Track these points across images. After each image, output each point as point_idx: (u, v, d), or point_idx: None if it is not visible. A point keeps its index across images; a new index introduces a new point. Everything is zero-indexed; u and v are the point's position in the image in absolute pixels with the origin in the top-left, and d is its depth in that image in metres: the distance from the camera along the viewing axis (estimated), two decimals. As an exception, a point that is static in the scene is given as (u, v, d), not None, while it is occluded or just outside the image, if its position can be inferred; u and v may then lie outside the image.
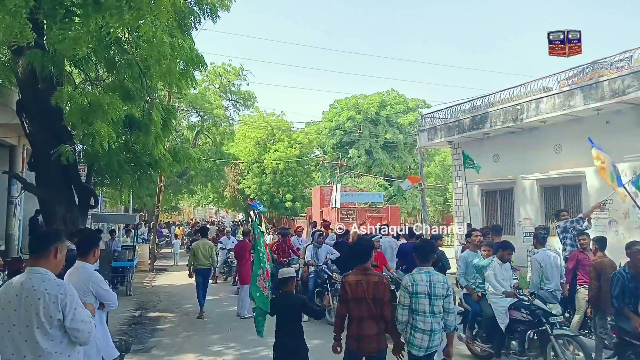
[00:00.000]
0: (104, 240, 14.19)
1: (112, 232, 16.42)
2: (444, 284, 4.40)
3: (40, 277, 3.00)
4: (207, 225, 24.50)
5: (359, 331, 4.33)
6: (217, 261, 13.38)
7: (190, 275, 10.37)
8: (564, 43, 7.86)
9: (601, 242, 7.14)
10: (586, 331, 7.28)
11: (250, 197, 31.75)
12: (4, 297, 2.98)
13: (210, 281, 15.03)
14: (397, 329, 4.45)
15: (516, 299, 6.52)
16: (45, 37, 6.24)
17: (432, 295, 4.32)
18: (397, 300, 4.53)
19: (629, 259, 5.98)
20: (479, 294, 6.96)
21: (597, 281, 6.65)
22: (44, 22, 6.06)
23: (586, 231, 8.44)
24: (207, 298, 10.32)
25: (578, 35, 7.85)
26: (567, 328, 6.59)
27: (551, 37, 7.98)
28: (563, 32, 7.95)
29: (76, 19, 4.99)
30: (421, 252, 4.58)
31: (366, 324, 4.31)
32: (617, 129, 11.74)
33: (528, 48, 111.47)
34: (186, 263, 11.47)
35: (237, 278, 12.08)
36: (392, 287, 7.84)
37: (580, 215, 9.45)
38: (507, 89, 15.30)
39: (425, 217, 20.73)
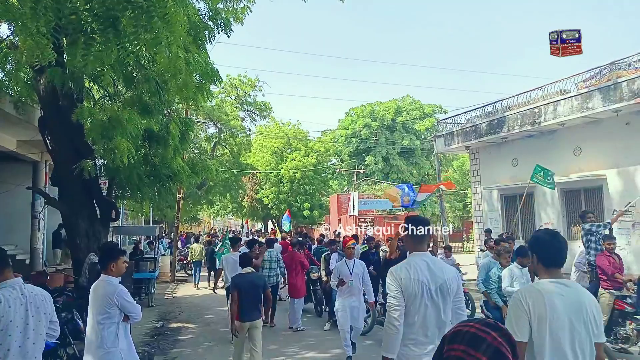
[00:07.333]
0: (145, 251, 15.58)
1: (150, 243, 16.78)
2: (277, 253, 9.99)
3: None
4: (236, 236, 26.95)
5: None
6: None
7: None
8: (580, 41, 7.70)
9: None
10: (611, 337, 7.14)
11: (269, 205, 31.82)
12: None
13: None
14: None
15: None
16: (65, 56, 6.41)
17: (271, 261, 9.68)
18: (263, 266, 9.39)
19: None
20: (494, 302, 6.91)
21: None
22: (65, 42, 6.22)
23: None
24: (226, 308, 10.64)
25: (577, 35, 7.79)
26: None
27: (564, 36, 7.79)
28: (578, 31, 7.79)
29: (96, 45, 5.11)
30: (268, 243, 9.87)
31: None
32: (637, 129, 11.54)
33: (544, 51, 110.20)
34: (205, 272, 17.38)
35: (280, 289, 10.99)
36: None
37: (608, 221, 9.25)
38: (524, 92, 15.18)
39: (444, 223, 20.60)
